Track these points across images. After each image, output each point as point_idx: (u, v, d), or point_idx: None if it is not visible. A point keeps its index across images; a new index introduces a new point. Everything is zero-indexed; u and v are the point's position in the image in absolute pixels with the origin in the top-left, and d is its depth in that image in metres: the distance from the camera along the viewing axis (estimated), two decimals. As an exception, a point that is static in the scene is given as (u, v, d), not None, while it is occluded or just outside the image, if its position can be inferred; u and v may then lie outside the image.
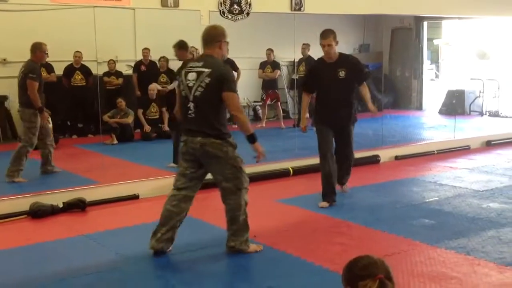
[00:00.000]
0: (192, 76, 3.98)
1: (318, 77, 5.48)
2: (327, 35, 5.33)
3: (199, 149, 3.99)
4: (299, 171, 6.77)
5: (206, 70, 3.94)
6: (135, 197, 5.97)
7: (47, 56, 6.56)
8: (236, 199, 4.09)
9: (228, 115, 4.11)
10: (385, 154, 7.84)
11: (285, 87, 11.45)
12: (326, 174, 5.45)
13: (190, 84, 3.98)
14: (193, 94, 3.97)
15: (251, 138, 4.05)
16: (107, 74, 9.52)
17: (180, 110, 4.17)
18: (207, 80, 3.93)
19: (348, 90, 5.45)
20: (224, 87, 3.92)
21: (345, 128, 5.53)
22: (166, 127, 9.08)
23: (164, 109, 9.12)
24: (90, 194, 5.78)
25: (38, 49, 6.30)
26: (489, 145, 8.89)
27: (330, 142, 5.51)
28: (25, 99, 6.33)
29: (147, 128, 8.86)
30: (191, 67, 4.04)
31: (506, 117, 11.30)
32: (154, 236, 4.15)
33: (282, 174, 6.76)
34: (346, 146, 5.60)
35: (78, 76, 9.19)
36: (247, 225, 4.17)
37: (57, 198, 5.56)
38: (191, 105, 3.99)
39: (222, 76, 3.94)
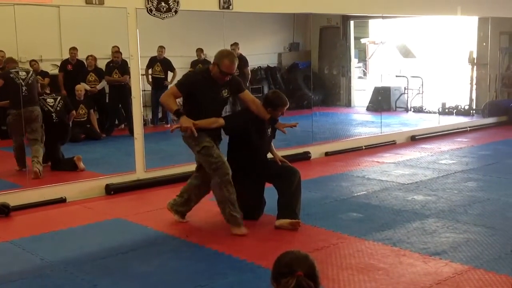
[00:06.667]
0: None
1: None
2: None
3: None
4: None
5: None
6: (62, 200, 5.79)
7: None
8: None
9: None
10: (316, 151, 7.99)
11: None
12: None
13: None
14: None
15: (177, 114, 4.56)
16: (31, 75, 9.15)
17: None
18: None
19: None
20: None
21: None
22: (96, 128, 8.89)
23: (92, 110, 8.90)
24: (14, 198, 5.56)
25: None
26: (414, 139, 9.24)
27: None
28: None
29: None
30: None
31: (430, 112, 11.76)
32: None
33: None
34: None
35: (0, 77, 8.78)
36: (223, 200, 4.62)
37: (-22, 204, 5.31)
38: None
39: None
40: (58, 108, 7.11)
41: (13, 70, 6.72)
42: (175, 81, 9.87)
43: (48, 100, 7.11)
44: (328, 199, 5.71)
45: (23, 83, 6.67)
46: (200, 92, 4.59)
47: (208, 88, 4.61)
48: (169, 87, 4.73)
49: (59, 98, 7.25)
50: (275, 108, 4.81)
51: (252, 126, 4.82)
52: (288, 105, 4.91)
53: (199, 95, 4.60)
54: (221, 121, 4.69)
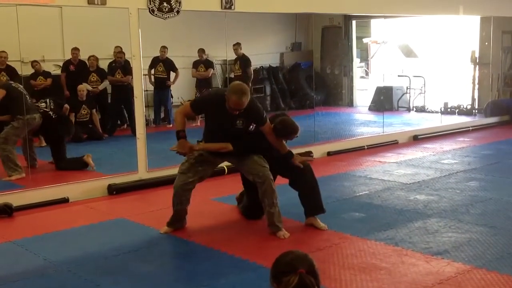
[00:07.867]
0: None
1: None
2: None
3: None
4: (234, 170, 6.77)
5: None
6: (65, 200, 5.81)
7: None
8: None
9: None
10: (318, 150, 7.99)
11: (219, 86, 11.44)
12: None
13: None
14: None
15: (177, 136, 4.52)
16: (34, 76, 9.16)
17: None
18: None
19: None
20: None
21: None
22: (99, 128, 8.91)
23: (94, 111, 8.92)
24: (17, 198, 5.57)
25: None
26: (416, 139, 9.23)
27: None
28: None
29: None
30: None
31: (432, 112, 11.75)
32: None
33: (217, 173, 6.73)
34: None
35: (3, 78, 8.79)
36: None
37: (-19, 204, 5.32)
38: None
39: None
40: (52, 107, 7.22)
41: (11, 82, 6.86)
42: (177, 82, 10.03)
43: (40, 105, 7.22)
44: (330, 199, 5.70)
45: (24, 92, 6.77)
46: (211, 116, 4.54)
47: (220, 114, 4.42)
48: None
49: (48, 99, 7.36)
50: (288, 136, 4.77)
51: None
52: (299, 132, 4.79)
53: (209, 118, 4.57)
54: (230, 147, 4.58)
